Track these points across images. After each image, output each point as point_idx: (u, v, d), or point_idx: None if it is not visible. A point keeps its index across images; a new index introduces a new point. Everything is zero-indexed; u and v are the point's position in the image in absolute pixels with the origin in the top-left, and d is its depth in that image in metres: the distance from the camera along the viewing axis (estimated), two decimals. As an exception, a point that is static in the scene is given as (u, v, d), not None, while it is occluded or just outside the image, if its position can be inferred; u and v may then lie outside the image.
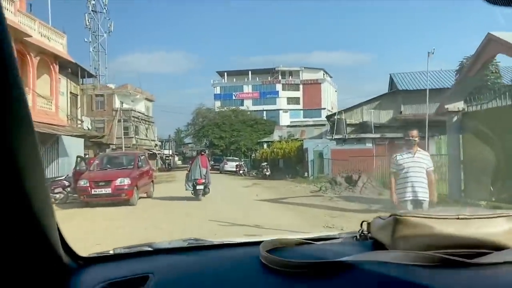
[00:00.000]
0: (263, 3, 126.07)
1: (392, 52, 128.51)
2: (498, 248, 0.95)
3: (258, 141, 43.35)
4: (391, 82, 36.71)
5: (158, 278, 0.96)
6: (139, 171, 15.36)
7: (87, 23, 55.63)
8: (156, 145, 56.10)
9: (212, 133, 45.08)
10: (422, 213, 1.01)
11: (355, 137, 27.17)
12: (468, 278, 0.87)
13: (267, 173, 27.47)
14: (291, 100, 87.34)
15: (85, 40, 55.55)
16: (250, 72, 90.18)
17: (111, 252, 1.28)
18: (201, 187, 14.56)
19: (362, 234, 1.18)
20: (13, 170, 0.69)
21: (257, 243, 1.07)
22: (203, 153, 16.89)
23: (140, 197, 14.66)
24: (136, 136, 49.89)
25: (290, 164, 28.28)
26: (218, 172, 39.98)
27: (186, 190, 14.89)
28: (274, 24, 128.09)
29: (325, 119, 52.85)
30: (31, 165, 0.74)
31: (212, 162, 50.36)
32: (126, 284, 0.97)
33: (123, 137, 45.23)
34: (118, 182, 13.77)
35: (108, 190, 13.64)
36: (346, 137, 27.29)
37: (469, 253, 0.93)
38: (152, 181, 16.88)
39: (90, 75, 42.13)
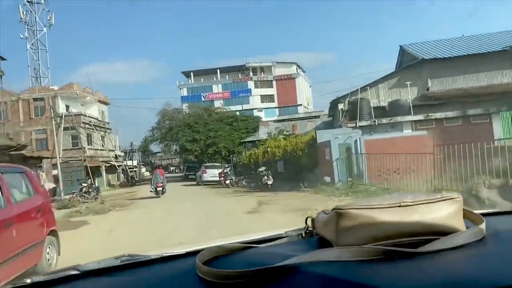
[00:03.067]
0: (226, 4, 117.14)
1: (353, 51, 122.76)
2: (444, 233, 0.91)
3: (241, 141, 34.46)
4: (401, 56, 28.81)
5: None
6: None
7: (22, 16, 45.02)
8: (117, 156, 45.96)
9: (183, 135, 35.64)
10: (364, 203, 0.92)
11: (388, 122, 18.67)
12: (414, 268, 0.83)
13: (269, 182, 18.55)
14: (265, 98, 79.24)
15: (21, 36, 45.02)
16: (218, 71, 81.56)
17: (28, 281, 1.08)
18: (160, 188, 20.21)
19: (307, 231, 1.10)
20: None
21: (196, 252, 1.00)
22: (159, 167, 24.28)
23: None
24: (89, 147, 39.77)
25: (298, 166, 19.43)
26: (195, 183, 30.66)
27: (150, 191, 20.49)
28: (239, 25, 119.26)
29: (312, 111, 44.55)
30: None
31: (185, 173, 42.38)
32: None
33: (58, 148, 35.15)
34: None
35: None
36: (376, 123, 18.77)
37: (415, 241, 0.89)
38: (53, 233, 6.71)
39: None
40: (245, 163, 29.63)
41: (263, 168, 20.12)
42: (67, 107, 40.75)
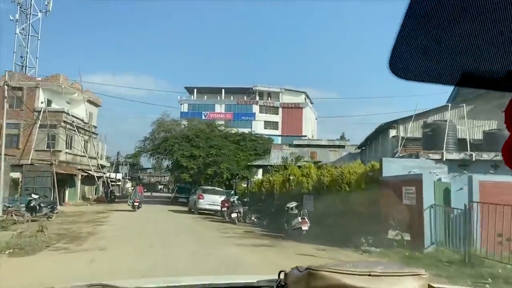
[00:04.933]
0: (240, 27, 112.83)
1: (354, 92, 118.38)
2: None
3: (249, 164, 27.96)
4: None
5: None
6: None
7: (16, -4, 39.03)
8: (100, 166, 39.03)
9: (179, 149, 28.94)
10: (336, 267, 0.96)
11: (492, 159, 12.33)
12: None
13: (305, 228, 11.71)
14: (268, 125, 73.46)
15: (11, 18, 38.97)
16: (223, 90, 76.01)
17: None
18: (137, 204, 22.12)
19: (279, 285, 1.11)
20: None
21: None
22: (139, 184, 30.49)
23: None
24: (66, 150, 32.89)
25: (343, 207, 12.75)
26: (187, 210, 23.78)
27: (128, 205, 22.90)
28: (251, 51, 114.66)
29: (335, 140, 37.17)
30: None
31: (175, 194, 33.23)
32: None
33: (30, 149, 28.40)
34: None
35: None
36: (474, 158, 12.37)
37: None
38: None
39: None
40: (252, 192, 22.94)
41: (293, 204, 13.45)
42: (49, 101, 34.06)
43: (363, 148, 26.81)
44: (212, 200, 21.07)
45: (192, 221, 17.55)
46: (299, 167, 22.99)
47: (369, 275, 0.94)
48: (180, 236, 12.12)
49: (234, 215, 16.77)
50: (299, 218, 12.13)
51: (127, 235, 11.76)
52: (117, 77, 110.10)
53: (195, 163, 28.74)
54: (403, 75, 0.66)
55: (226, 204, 18.40)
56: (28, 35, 38.63)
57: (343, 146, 29.23)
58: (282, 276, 1.10)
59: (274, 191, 20.05)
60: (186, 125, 36.24)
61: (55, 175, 24.55)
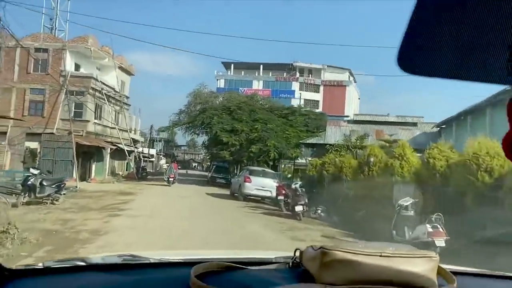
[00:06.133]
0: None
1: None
2: (418, 287, 0.94)
3: (301, 142, 23.17)
4: None
5: None
6: None
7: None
8: (133, 140, 35.40)
9: (219, 122, 24.49)
10: (349, 247, 0.97)
11: None
12: None
13: (440, 242, 6.88)
14: (308, 103, 67.63)
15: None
16: (262, 66, 71.21)
17: (40, 265, 1.14)
18: (172, 179, 22.86)
19: (294, 262, 1.13)
20: None
21: (191, 264, 1.02)
22: (174, 161, 31.30)
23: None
24: (95, 121, 29.22)
25: (497, 213, 7.78)
26: (228, 194, 19.43)
27: (164, 180, 23.60)
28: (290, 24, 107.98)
29: (406, 116, 28.15)
30: None
31: (212, 174, 28.38)
32: None
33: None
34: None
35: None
36: None
37: None
38: None
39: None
40: (310, 176, 18.18)
41: (408, 202, 8.47)
42: (77, 66, 30.34)
43: (442, 126, 21.39)
44: (261, 184, 16.55)
45: (240, 213, 13.02)
46: (362, 148, 18.06)
47: (380, 255, 0.95)
48: (232, 243, 7.60)
49: (299, 208, 12.05)
50: (428, 226, 7.22)
51: (148, 240, 7.30)
52: (152, 53, 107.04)
53: (237, 138, 24.18)
54: (412, 71, 0.63)
55: (284, 191, 13.80)
56: (58, -5, 34.73)
57: (415, 124, 23.82)
58: (297, 253, 1.13)
59: (343, 176, 15.23)
60: (225, 98, 31.55)
61: (74, 146, 20.67)
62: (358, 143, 19.61)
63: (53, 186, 11.63)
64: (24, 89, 28.49)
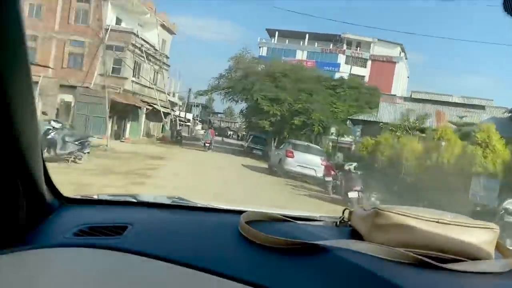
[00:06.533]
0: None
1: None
2: (473, 258, 0.89)
3: (349, 117, 20.90)
4: None
5: (136, 230, 0.92)
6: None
7: None
8: (171, 102, 34.28)
9: (260, 89, 22.51)
10: (404, 210, 0.91)
11: None
12: (439, 282, 0.82)
13: None
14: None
15: None
16: (307, 36, 68.13)
17: (95, 197, 1.22)
18: (208, 145, 23.45)
19: (342, 221, 1.09)
20: (2, 104, 0.65)
21: (240, 212, 1.01)
22: (211, 127, 32.50)
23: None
24: (133, 78, 28.08)
25: None
26: (265, 168, 17.74)
27: (199, 146, 24.00)
28: None
29: (473, 98, 24.03)
30: (22, 101, 0.70)
31: (249, 144, 26.87)
32: (105, 230, 0.92)
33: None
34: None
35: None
36: None
37: (443, 258, 0.88)
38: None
39: None
40: (359, 156, 16.05)
41: None
42: (119, 20, 29.02)
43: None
44: (305, 161, 14.63)
45: (281, 193, 11.22)
46: (424, 129, 15.74)
47: (437, 221, 0.88)
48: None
49: (353, 194, 10.14)
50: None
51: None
52: (194, 18, 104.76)
53: (279, 108, 22.14)
54: None
55: (333, 172, 11.92)
56: None
57: (482, 107, 20.84)
58: (346, 213, 1.07)
59: (402, 160, 13.06)
60: (268, 64, 29.39)
61: (108, 102, 19.46)
62: (417, 124, 17.17)
63: (77, 143, 10.30)
64: (64, 41, 27.61)
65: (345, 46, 67.18)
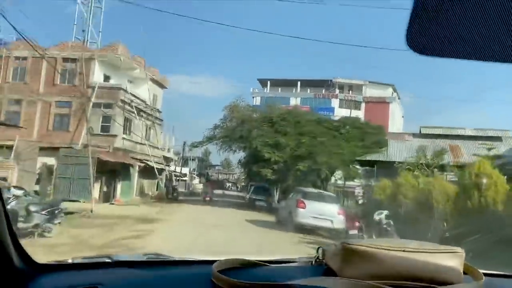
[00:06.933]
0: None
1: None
2: (442, 283, 0.90)
3: (357, 158, 19.19)
4: None
5: None
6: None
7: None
8: (166, 158, 32.61)
9: (259, 135, 20.89)
10: (370, 242, 0.94)
11: None
12: None
13: None
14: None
15: (74, -15, 33.83)
16: (299, 83, 68.74)
17: (70, 261, 1.20)
18: (208, 199, 24.78)
19: (317, 260, 1.11)
20: None
21: (213, 262, 1.01)
22: (209, 180, 36.10)
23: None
24: (124, 135, 26.56)
25: None
26: (272, 222, 15.59)
27: (200, 199, 24.91)
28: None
29: (487, 129, 22.72)
30: None
31: (251, 196, 24.97)
32: None
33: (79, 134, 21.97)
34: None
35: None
36: None
37: (414, 287, 0.89)
38: None
39: None
40: (382, 201, 14.10)
41: None
42: (107, 77, 28.05)
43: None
44: (320, 211, 12.62)
45: (298, 255, 9.27)
46: (443, 166, 14.03)
47: (403, 251, 0.91)
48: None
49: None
50: None
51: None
52: (187, 75, 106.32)
53: (281, 155, 20.43)
54: (423, 51, 0.58)
55: (358, 223, 9.98)
56: (91, 5, 33.09)
57: (499, 138, 19.29)
58: (320, 252, 1.09)
59: (431, 203, 11.15)
60: (265, 110, 28.15)
61: (91, 161, 17.64)
62: (436, 161, 15.45)
63: (44, 212, 8.37)
64: (49, 103, 26.36)
65: (337, 90, 67.47)
